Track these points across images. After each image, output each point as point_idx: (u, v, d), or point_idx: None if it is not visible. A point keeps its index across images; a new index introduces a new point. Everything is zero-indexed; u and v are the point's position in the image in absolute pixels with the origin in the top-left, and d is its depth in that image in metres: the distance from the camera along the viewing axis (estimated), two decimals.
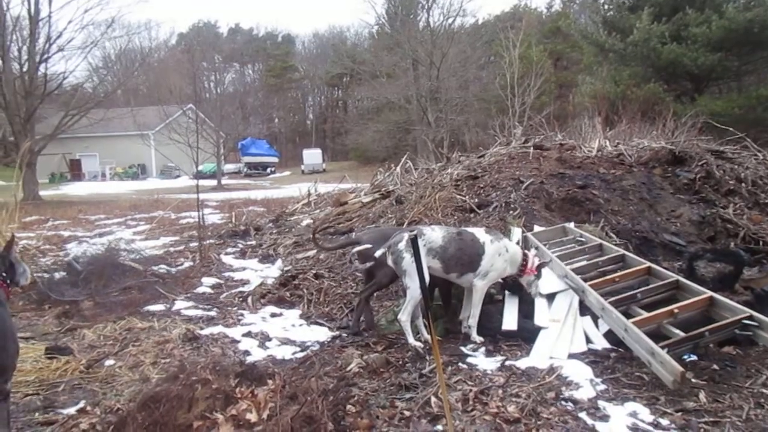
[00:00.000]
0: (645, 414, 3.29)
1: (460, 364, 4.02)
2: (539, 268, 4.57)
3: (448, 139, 28.60)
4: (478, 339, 4.59)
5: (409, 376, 3.70)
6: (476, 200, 7.69)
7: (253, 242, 9.39)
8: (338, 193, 11.43)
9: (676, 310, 4.28)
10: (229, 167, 44.67)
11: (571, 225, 6.50)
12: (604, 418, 3.25)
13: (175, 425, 2.53)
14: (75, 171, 41.48)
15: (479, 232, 4.72)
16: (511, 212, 7.12)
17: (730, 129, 10.42)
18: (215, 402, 2.58)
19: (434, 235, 4.58)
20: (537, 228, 6.60)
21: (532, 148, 9.71)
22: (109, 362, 4.27)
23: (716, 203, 7.87)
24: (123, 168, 42.14)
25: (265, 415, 2.54)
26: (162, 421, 2.55)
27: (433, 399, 3.28)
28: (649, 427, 3.15)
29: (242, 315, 5.63)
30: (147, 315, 5.59)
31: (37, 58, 22.74)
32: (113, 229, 12.64)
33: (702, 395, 3.49)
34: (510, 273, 4.73)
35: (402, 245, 4.50)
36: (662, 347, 3.81)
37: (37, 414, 3.41)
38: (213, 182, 31.14)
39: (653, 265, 5.08)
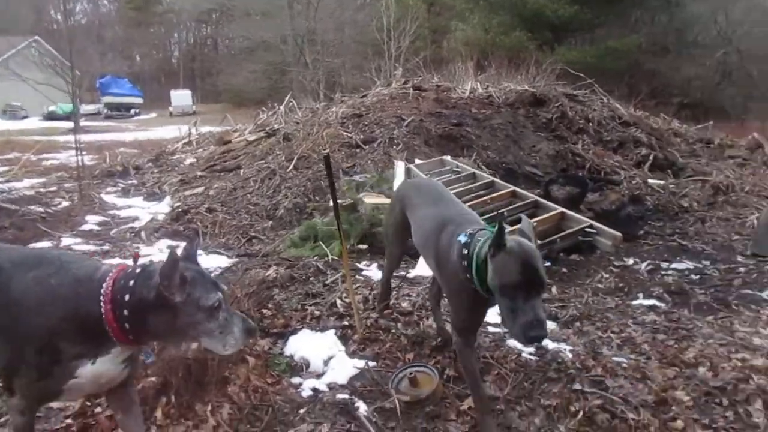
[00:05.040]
0: None
1: (357, 276, 4.51)
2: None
3: (324, 81, 28.50)
4: None
5: (313, 287, 4.12)
6: (362, 136, 8.14)
7: (134, 181, 9.15)
8: (221, 132, 11.30)
9: (535, 224, 5.07)
10: (87, 108, 40.87)
11: (448, 158, 7.17)
12: None
13: None
14: None
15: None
16: (394, 147, 7.68)
17: (582, 75, 11.69)
18: None
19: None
20: (418, 161, 7.21)
21: (411, 89, 10.28)
22: None
23: (568, 140, 9.02)
24: None
25: None
26: None
27: (338, 302, 3.74)
28: None
29: (138, 248, 5.65)
30: None
31: None
32: None
33: (554, 289, 4.36)
34: None
35: None
36: None
37: None
38: (70, 124, 28.51)
39: (517, 189, 5.88)
